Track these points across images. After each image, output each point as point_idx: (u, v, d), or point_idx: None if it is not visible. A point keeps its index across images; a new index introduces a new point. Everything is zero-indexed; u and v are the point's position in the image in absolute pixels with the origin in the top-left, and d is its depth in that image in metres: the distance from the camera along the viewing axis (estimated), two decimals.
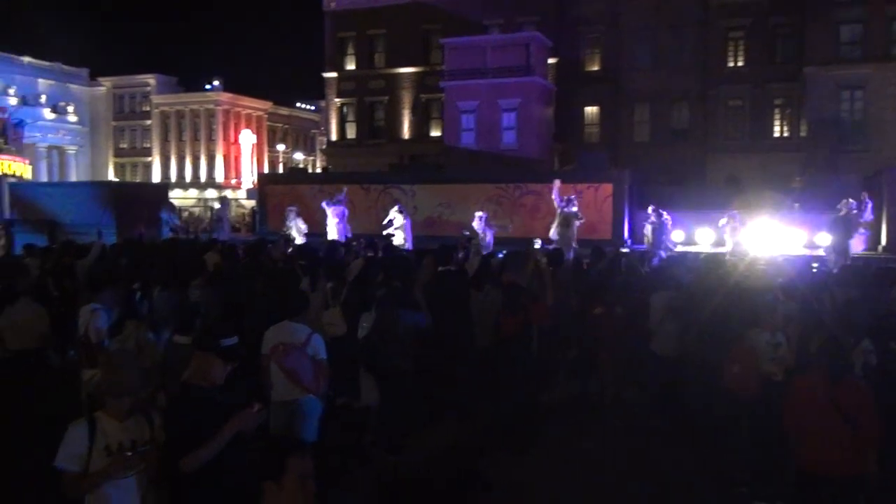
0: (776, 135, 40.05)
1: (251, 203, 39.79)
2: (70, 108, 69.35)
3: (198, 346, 4.51)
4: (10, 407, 7.53)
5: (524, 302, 8.25)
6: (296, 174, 38.46)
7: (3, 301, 8.11)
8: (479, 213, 22.13)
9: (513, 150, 37.21)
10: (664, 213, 22.23)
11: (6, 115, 42.05)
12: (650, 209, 22.52)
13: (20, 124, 45.51)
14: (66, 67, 70.81)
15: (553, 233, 20.92)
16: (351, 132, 48.06)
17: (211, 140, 69.87)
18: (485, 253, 14.47)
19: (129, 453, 4.02)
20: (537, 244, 20.90)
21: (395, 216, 22.34)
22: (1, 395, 7.65)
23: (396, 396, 7.18)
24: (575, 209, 20.95)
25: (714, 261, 11.30)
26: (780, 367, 6.86)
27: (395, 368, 7.17)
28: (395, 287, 8.20)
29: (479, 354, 8.61)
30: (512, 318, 8.10)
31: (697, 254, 15.81)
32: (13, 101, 61.07)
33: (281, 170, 70.56)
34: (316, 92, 59.37)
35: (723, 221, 21.51)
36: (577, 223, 20.90)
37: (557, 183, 22.01)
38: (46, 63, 68.76)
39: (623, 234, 26.15)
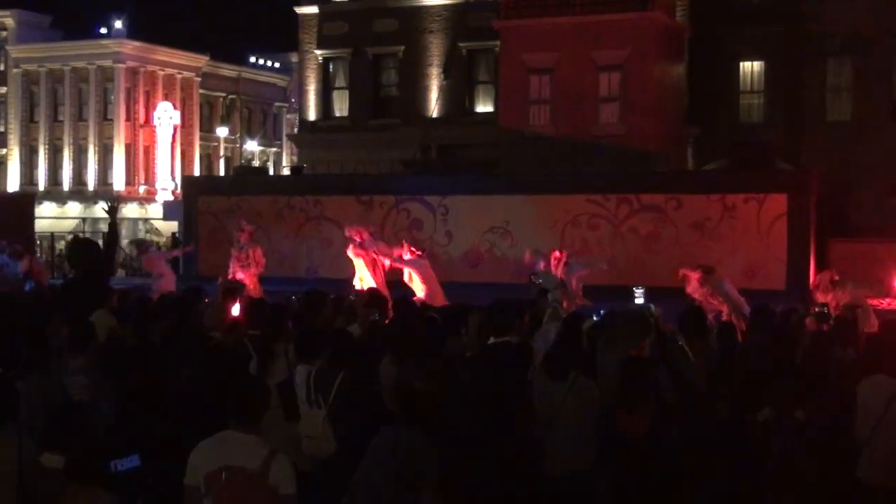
0: None
1: (171, 226, 40.23)
2: None
3: (72, 472, 4.53)
4: None
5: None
6: (247, 177, 38.83)
7: None
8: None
9: (616, 137, 37.19)
10: None
11: None
12: None
13: None
14: None
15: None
16: (341, 106, 48.46)
17: (106, 120, 71.02)
18: (566, 315, 14.40)
19: None
20: (639, 297, 20.21)
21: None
22: None
23: None
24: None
25: None
26: None
27: None
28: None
29: (551, 489, 8.59)
30: None
31: None
32: None
33: (223, 170, 71.37)
34: (283, 40, 60.24)
35: None
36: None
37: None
38: None
39: (807, 280, 25.91)
